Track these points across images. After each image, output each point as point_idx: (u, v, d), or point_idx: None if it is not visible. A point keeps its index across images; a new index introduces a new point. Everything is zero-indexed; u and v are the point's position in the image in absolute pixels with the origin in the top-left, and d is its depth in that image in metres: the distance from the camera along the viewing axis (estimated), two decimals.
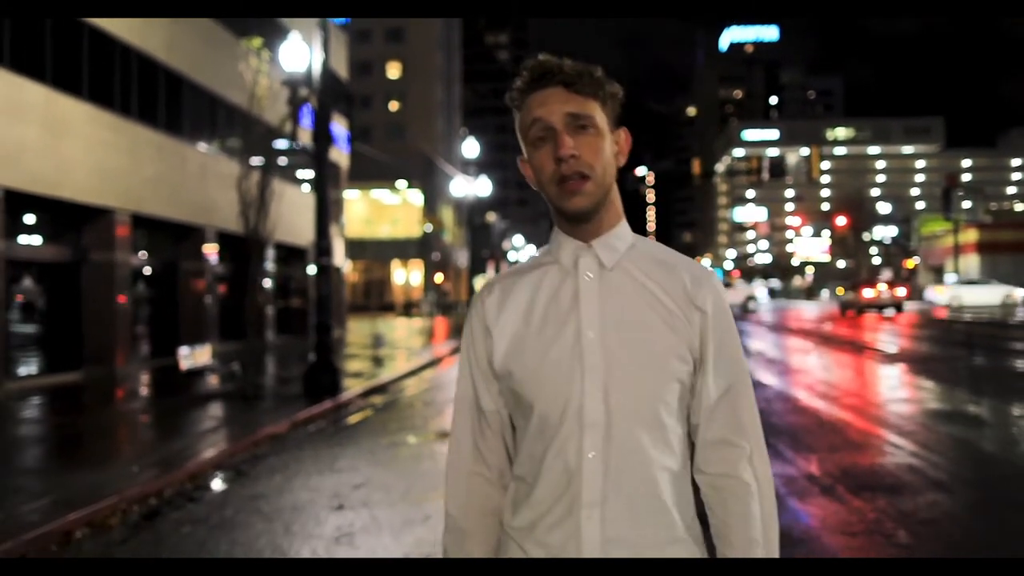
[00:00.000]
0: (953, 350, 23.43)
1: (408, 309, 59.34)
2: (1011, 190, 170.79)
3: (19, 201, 17.16)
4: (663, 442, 1.86)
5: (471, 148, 40.78)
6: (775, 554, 1.91)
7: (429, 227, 64.30)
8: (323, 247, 16.35)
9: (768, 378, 17.45)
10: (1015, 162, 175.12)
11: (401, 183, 64.47)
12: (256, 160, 21.30)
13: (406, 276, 68.23)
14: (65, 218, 19.56)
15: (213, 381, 17.20)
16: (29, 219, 18.84)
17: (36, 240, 19.30)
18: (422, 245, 64.84)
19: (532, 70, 1.89)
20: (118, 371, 20.18)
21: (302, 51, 16.74)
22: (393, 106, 75.01)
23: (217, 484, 9.10)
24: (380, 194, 66.14)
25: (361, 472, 9.35)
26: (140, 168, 21.60)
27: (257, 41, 25.19)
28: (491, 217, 61.63)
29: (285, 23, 31.02)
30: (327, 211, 16.53)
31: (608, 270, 1.90)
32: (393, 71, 76.43)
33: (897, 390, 15.60)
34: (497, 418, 1.99)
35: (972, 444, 10.17)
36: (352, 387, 16.58)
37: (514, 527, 1.92)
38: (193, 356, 17.31)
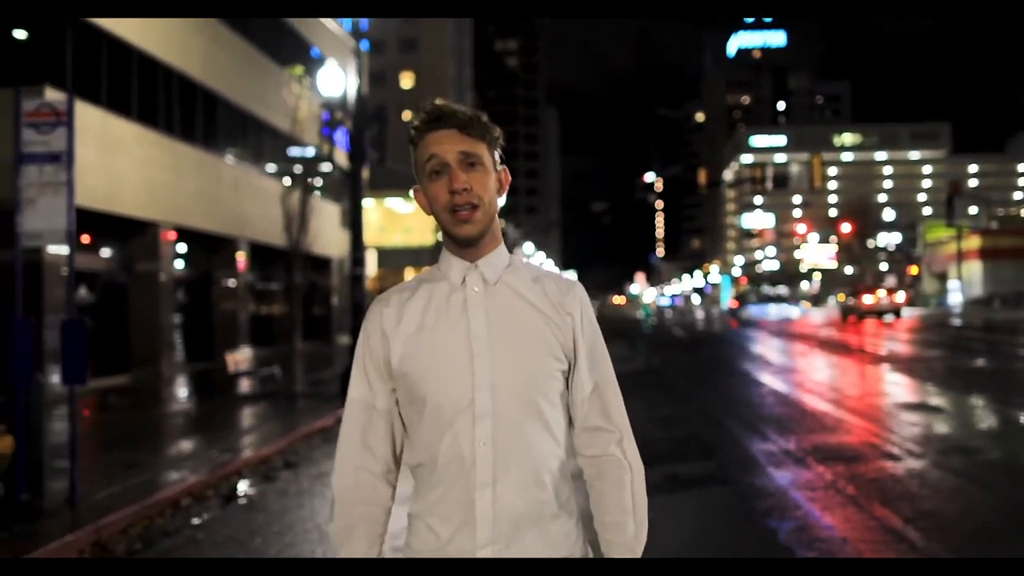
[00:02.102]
0: (936, 351, 25.04)
1: None
2: (1018, 195, 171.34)
3: (78, 216, 18.67)
4: (544, 429, 2.13)
5: None
6: (644, 522, 2.21)
7: (441, 235, 65.76)
8: (358, 258, 17.85)
9: (765, 377, 19.23)
10: (1023, 167, 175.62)
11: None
12: (278, 169, 22.72)
13: None
14: (115, 231, 21.13)
15: (247, 383, 18.57)
16: (85, 232, 20.40)
17: (91, 252, 20.85)
18: (435, 253, 66.30)
19: (430, 113, 2.13)
20: (162, 374, 21.73)
21: (338, 76, 18.34)
22: (406, 115, 76.44)
23: (285, 466, 10.62)
24: (394, 203, 67.63)
25: None
26: (182, 183, 23.19)
27: (299, 69, 26.84)
28: (502, 225, 63.00)
29: (320, 51, 32.77)
30: (361, 225, 18.01)
31: (491, 285, 2.17)
32: (406, 81, 77.93)
33: (875, 386, 17.50)
34: (387, 415, 2.20)
35: (925, 426, 11.91)
36: None
37: (419, 509, 2.16)
38: (235, 360, 18.84)
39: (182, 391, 19.04)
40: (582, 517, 2.20)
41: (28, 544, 6.93)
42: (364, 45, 39.67)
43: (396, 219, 69.22)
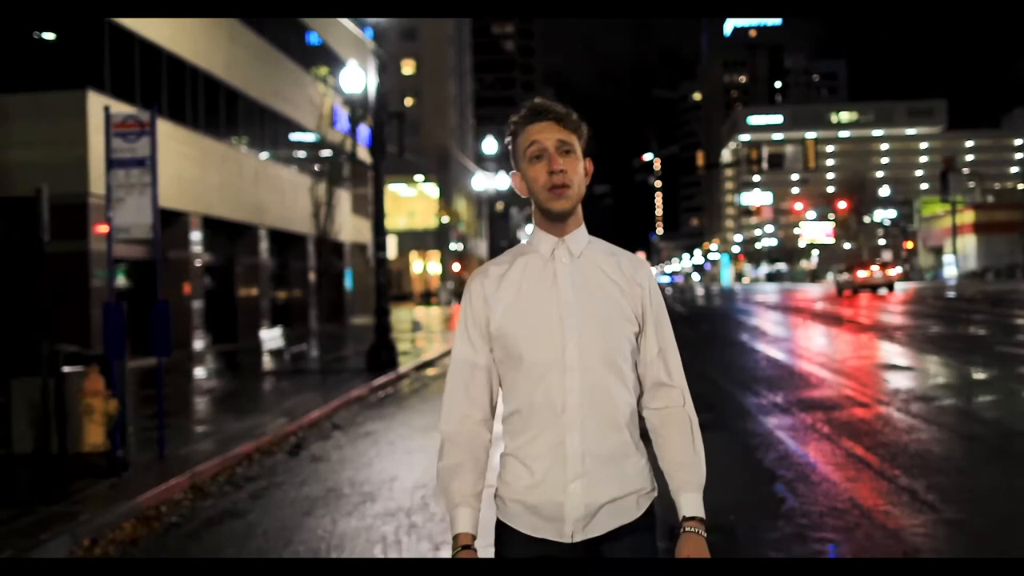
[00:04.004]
0: (919, 321, 26.56)
1: (427, 298, 62.33)
2: (1014, 170, 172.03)
3: None
4: (620, 381, 2.44)
5: (490, 145, 44.01)
6: (702, 458, 2.51)
7: (446, 219, 66.97)
8: (380, 243, 19.19)
9: (760, 345, 20.95)
10: (1018, 142, 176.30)
11: (418, 176, 67.33)
12: (293, 159, 23.90)
13: (424, 266, 71.05)
14: None
15: (280, 360, 19.97)
16: None
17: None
18: (439, 236, 67.58)
19: (532, 108, 2.47)
20: (193, 355, 23.12)
21: (358, 75, 19.71)
22: (408, 102, 77.59)
23: (334, 427, 12.02)
24: (397, 187, 68.89)
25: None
26: (208, 176, 24.58)
27: (324, 70, 28.18)
28: (502, 206, 63.81)
29: (330, 44, 34.07)
30: (383, 213, 19.34)
31: (576, 258, 2.48)
32: (408, 68, 79.04)
33: (858, 351, 19.07)
34: (487, 371, 2.51)
35: (897, 382, 13.50)
36: (406, 362, 19.43)
37: (513, 449, 2.47)
38: (268, 338, 20.27)
39: (219, 368, 20.42)
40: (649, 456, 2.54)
41: (138, 487, 8.31)
42: (368, 33, 40.72)
43: (400, 203, 70.47)
